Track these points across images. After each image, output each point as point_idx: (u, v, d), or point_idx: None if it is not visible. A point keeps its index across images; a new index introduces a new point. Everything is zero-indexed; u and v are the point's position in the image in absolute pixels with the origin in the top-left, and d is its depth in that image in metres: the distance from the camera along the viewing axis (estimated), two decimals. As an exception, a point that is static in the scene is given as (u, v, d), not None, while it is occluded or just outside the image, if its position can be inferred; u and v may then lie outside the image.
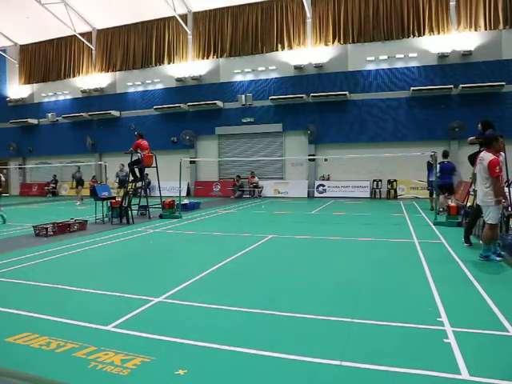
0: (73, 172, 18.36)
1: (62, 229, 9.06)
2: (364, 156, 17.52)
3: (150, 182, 18.83)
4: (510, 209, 6.83)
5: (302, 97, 19.19)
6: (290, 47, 19.93)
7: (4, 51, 26.02)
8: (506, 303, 3.93)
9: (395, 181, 18.34)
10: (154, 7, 21.00)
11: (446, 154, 11.66)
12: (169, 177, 17.68)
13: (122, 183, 16.23)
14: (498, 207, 5.70)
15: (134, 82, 23.15)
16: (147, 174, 16.03)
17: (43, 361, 2.91)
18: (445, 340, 3.14)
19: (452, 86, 17.13)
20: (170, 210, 11.76)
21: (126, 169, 16.11)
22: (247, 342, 3.18)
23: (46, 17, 21.53)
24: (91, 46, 23.91)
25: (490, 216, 5.67)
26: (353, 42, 18.95)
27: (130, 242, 7.97)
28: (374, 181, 18.67)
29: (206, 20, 21.36)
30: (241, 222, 11.06)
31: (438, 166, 10.71)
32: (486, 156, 5.75)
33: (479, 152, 7.70)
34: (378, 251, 6.75)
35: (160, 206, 12.18)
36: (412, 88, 17.60)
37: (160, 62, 22.45)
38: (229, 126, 20.97)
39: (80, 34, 23.33)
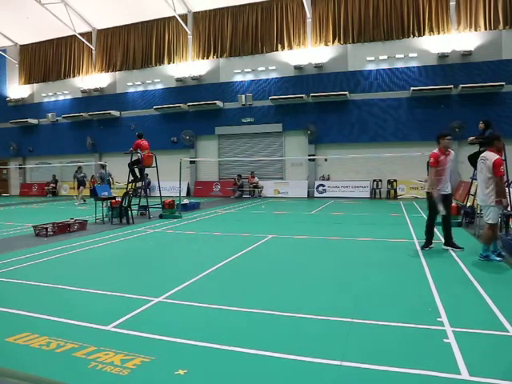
0: (74, 172, 18.34)
1: (62, 229, 9.06)
2: (364, 156, 17.53)
3: (149, 182, 18.84)
4: (509, 209, 6.84)
5: (302, 97, 19.19)
6: (290, 47, 19.93)
7: (4, 51, 26.02)
8: (506, 303, 3.93)
9: (395, 181, 18.34)
10: (153, 7, 21.00)
11: None
12: (169, 177, 17.68)
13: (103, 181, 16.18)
14: (499, 207, 5.73)
15: (134, 82, 23.15)
16: (147, 174, 16.04)
17: (43, 361, 2.91)
18: (445, 340, 3.14)
19: (452, 85, 17.13)
20: (170, 210, 11.75)
21: (108, 169, 16.25)
22: (247, 341, 3.18)
23: (45, 17, 21.51)
24: (91, 46, 23.91)
25: (491, 216, 5.69)
26: (353, 42, 18.95)
27: (129, 242, 7.96)
28: (374, 181, 18.68)
29: (206, 20, 21.36)
30: (240, 222, 11.06)
31: None
32: (490, 155, 5.77)
33: (479, 152, 7.73)
34: (378, 251, 6.75)
35: (160, 206, 12.18)
36: (412, 88, 17.59)
37: (160, 62, 22.44)
38: (229, 126, 20.97)
39: (80, 34, 23.32)
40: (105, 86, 23.88)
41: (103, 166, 16.36)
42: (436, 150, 6.65)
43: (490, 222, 5.70)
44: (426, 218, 10.77)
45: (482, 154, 5.99)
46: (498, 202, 5.62)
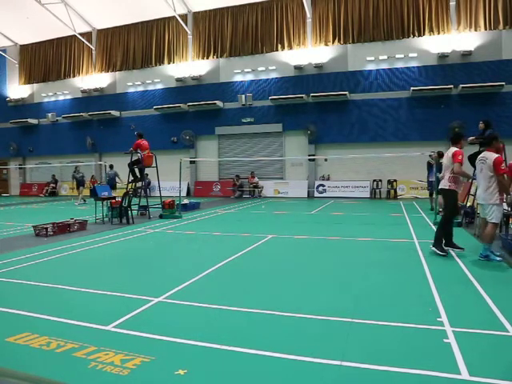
0: (73, 172, 18.36)
1: (62, 229, 9.06)
2: (364, 156, 17.54)
3: (149, 182, 18.84)
4: (510, 209, 6.85)
5: (302, 97, 19.19)
6: (290, 47, 19.93)
7: (4, 51, 26.02)
8: (506, 303, 3.93)
9: (395, 181, 18.35)
10: (153, 7, 21.00)
11: (440, 155, 11.70)
12: (169, 177, 17.68)
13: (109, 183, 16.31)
14: (501, 206, 5.79)
15: (134, 82, 23.15)
16: (147, 174, 16.04)
17: (43, 361, 2.91)
18: (445, 340, 3.14)
19: (452, 85, 17.13)
20: (170, 209, 11.76)
21: (115, 170, 16.32)
22: (247, 341, 3.18)
23: (45, 17, 21.51)
24: (91, 46, 23.91)
25: (494, 215, 5.74)
26: (353, 42, 18.96)
27: (129, 242, 7.96)
28: (374, 181, 18.68)
29: (206, 20, 21.37)
30: (240, 222, 11.06)
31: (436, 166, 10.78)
32: (490, 155, 5.84)
33: (479, 152, 7.74)
34: (378, 251, 6.74)
35: (160, 206, 12.18)
36: (412, 88, 17.60)
37: (160, 62, 22.45)
38: (229, 126, 20.98)
39: (80, 34, 23.33)
40: (105, 86, 23.89)
41: (111, 167, 16.49)
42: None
43: (493, 221, 5.74)
44: (426, 218, 10.81)
45: (481, 155, 6.06)
46: (501, 200, 5.71)
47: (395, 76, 18.32)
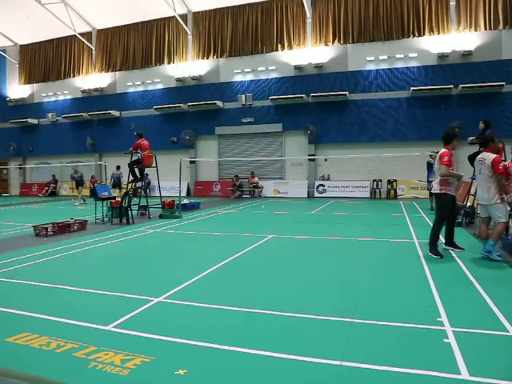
0: (71, 173, 18.40)
1: (62, 229, 9.05)
2: (364, 156, 17.55)
3: (149, 182, 18.83)
4: (510, 209, 6.86)
5: (302, 97, 19.19)
6: (290, 47, 19.94)
7: (4, 51, 26.03)
8: (506, 303, 3.93)
9: (395, 181, 18.35)
10: (153, 7, 21.01)
11: None
12: (169, 177, 17.69)
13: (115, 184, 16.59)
14: (505, 203, 5.87)
15: (134, 82, 23.16)
16: (147, 174, 16.04)
17: (43, 361, 2.91)
18: (445, 340, 3.14)
19: (452, 86, 17.13)
20: (170, 209, 11.76)
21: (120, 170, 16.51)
22: (247, 341, 3.18)
23: (46, 17, 21.53)
24: (91, 46, 23.91)
25: (502, 215, 5.83)
26: (353, 42, 18.96)
27: (129, 242, 7.96)
28: (374, 181, 18.68)
29: (206, 20, 21.37)
30: (241, 222, 11.06)
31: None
32: (488, 156, 5.92)
33: (479, 152, 7.75)
34: (378, 251, 6.74)
35: (160, 205, 12.17)
36: (412, 88, 17.60)
37: (160, 62, 22.46)
38: (229, 126, 20.98)
39: (80, 34, 23.33)
40: (105, 86, 23.89)
41: (118, 168, 16.54)
42: (445, 150, 6.21)
43: (503, 220, 5.82)
44: (426, 218, 10.80)
45: (479, 156, 6.16)
46: (502, 199, 5.81)
47: (395, 76, 18.32)
